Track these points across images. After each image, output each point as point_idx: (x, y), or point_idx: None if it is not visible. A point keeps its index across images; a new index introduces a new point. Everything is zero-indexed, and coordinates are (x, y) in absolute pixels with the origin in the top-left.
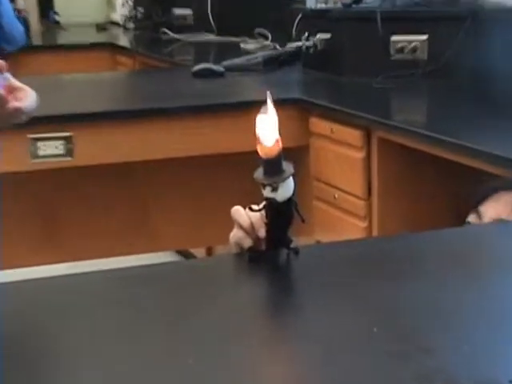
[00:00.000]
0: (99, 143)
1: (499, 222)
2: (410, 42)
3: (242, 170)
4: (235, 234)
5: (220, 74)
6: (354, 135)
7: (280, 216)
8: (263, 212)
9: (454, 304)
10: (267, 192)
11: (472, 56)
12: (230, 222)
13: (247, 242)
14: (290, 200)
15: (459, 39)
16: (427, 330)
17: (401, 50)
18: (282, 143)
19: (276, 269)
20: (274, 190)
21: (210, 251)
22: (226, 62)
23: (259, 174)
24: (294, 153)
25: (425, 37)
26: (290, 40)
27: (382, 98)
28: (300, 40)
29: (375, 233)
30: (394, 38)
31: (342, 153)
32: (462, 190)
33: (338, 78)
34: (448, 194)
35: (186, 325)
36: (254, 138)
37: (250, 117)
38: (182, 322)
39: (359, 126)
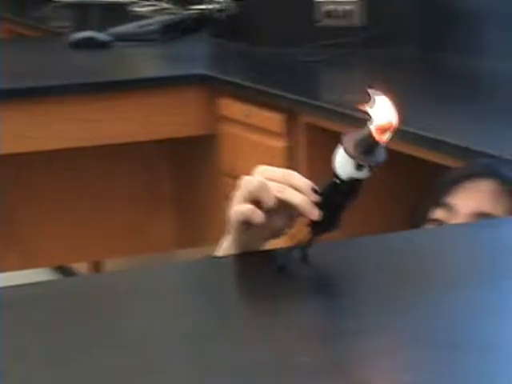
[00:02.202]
0: None
1: (483, 218)
2: (341, 3)
3: (136, 164)
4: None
5: (106, 45)
6: (274, 120)
7: (355, 196)
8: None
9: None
10: (364, 172)
11: (418, 18)
12: (126, 231)
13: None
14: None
15: None
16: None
17: (330, 14)
18: (185, 131)
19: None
20: (371, 170)
21: (96, 267)
22: (114, 30)
23: (354, 150)
24: (199, 143)
25: None
26: (194, 2)
27: (310, 74)
28: (206, 2)
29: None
30: None
31: (259, 142)
32: (415, 188)
33: (253, 50)
34: (401, 193)
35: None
36: (153, 125)
37: (146, 99)
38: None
39: (281, 109)
